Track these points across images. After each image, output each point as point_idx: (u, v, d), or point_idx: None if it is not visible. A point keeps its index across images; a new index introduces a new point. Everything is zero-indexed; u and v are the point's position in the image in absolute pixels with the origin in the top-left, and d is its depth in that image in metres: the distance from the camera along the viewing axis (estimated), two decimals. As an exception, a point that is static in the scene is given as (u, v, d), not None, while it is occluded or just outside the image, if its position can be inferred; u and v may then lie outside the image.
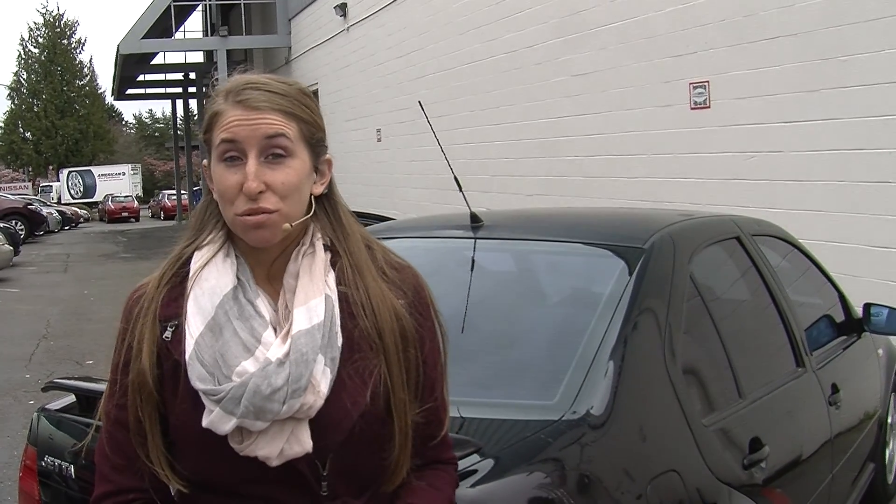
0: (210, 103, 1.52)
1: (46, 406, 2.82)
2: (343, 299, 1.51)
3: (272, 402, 1.40)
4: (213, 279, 1.50)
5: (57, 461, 2.59)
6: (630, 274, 2.61)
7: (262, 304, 1.50)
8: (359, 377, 1.49)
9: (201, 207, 1.61)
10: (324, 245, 1.56)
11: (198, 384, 1.43)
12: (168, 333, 1.51)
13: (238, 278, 1.51)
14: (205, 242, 1.55)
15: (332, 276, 1.53)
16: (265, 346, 1.44)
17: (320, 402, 1.44)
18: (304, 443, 1.44)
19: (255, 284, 1.52)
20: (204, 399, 1.43)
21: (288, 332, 1.46)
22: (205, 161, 1.56)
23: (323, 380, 1.44)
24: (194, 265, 1.53)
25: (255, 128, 1.46)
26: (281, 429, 1.43)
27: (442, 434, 1.64)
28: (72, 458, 2.49)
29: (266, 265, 1.55)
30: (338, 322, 1.49)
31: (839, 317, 4.03)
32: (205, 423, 1.43)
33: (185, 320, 1.48)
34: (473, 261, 2.96)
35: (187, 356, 1.45)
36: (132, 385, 1.50)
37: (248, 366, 1.42)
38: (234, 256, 1.53)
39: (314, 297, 1.48)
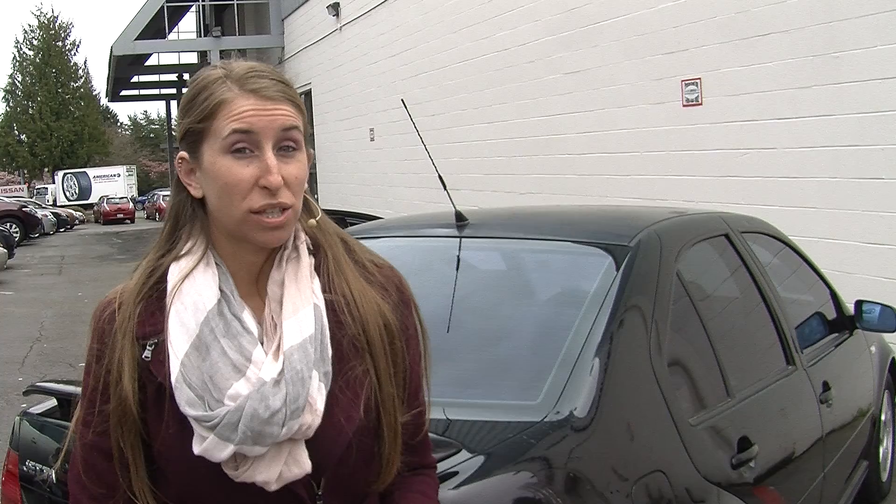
0: (207, 89, 1.40)
1: (28, 410, 2.80)
2: (329, 307, 1.44)
3: (271, 425, 1.32)
4: (194, 293, 1.39)
5: (39, 465, 2.57)
6: (616, 271, 2.58)
7: (248, 317, 1.40)
8: (350, 390, 1.43)
9: (174, 209, 1.49)
10: (307, 248, 1.48)
11: (188, 410, 1.34)
12: (148, 353, 1.41)
13: (221, 290, 1.41)
14: (182, 253, 1.44)
15: (317, 283, 1.46)
16: (256, 366, 1.35)
17: (318, 421, 1.36)
18: (302, 464, 1.36)
19: (239, 296, 1.43)
20: (195, 425, 1.34)
21: (279, 347, 1.37)
22: (183, 153, 1.43)
23: (319, 397, 1.36)
24: (172, 278, 1.42)
25: (273, 119, 1.37)
26: (278, 451, 1.35)
27: (422, 435, 1.59)
28: (53, 461, 2.46)
29: (252, 272, 1.46)
30: (328, 333, 1.41)
31: (831, 314, 4.01)
32: (198, 450, 1.34)
33: (168, 339, 1.38)
34: (458, 259, 2.94)
35: (173, 379, 1.35)
36: (113, 414, 1.40)
37: (241, 388, 1.33)
38: (214, 265, 1.43)
39: (302, 307, 1.40)
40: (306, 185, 1.48)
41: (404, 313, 1.54)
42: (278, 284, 1.44)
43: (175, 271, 1.43)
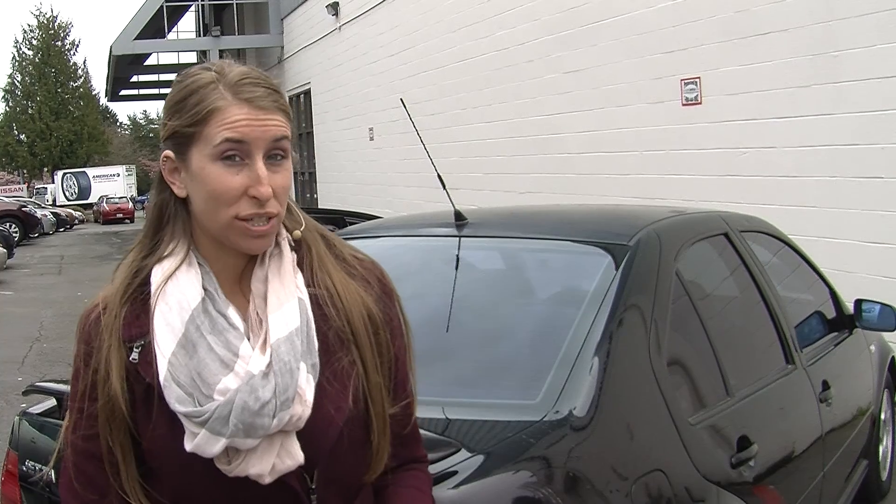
0: (197, 93, 1.40)
1: (28, 410, 2.80)
2: (313, 301, 1.46)
3: (262, 416, 1.33)
4: (178, 292, 1.41)
5: (38, 465, 2.56)
6: (615, 270, 2.58)
7: (233, 314, 1.41)
8: (338, 381, 1.44)
9: (157, 208, 1.49)
10: (289, 244, 1.50)
11: (177, 407, 1.35)
12: (135, 355, 1.42)
13: (205, 289, 1.42)
14: (166, 254, 1.45)
15: (300, 277, 1.47)
16: (244, 360, 1.36)
17: (308, 412, 1.37)
18: (295, 455, 1.37)
19: (223, 294, 1.44)
20: (185, 422, 1.35)
21: (265, 340, 1.39)
22: (168, 153, 1.44)
23: (308, 388, 1.38)
24: (156, 280, 1.43)
25: (265, 129, 1.38)
26: (270, 443, 1.36)
27: (411, 426, 1.60)
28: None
29: (235, 271, 1.48)
30: (313, 326, 1.43)
31: (830, 313, 4.01)
32: (189, 447, 1.35)
33: (154, 339, 1.39)
34: (458, 259, 2.93)
35: (161, 378, 1.36)
36: (102, 411, 1.41)
37: (230, 382, 1.35)
38: (197, 265, 1.44)
39: (287, 300, 1.42)
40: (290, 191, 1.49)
41: (387, 304, 1.56)
42: (262, 281, 1.46)
43: (158, 273, 1.44)
